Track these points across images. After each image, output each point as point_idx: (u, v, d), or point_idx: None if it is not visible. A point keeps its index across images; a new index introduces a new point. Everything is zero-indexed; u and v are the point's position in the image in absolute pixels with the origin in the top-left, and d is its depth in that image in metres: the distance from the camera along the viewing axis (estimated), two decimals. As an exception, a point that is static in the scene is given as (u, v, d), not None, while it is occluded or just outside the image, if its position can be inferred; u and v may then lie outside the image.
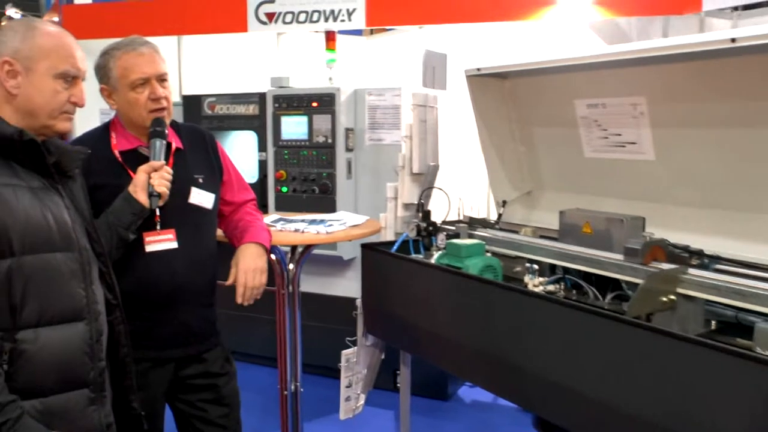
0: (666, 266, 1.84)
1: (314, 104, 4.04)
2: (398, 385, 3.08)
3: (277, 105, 4.15)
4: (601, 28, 4.36)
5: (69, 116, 1.74)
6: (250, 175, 4.30)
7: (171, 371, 2.24)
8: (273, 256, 2.70)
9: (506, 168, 2.91)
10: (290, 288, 2.82)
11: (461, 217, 2.88)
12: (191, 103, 4.56)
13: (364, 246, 2.69)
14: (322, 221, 2.84)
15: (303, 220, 2.87)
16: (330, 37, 4.26)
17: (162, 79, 2.16)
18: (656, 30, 4.45)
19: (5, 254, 1.55)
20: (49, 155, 1.68)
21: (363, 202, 4.10)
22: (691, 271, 1.80)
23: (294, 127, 4.12)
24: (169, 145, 2.19)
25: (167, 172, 2.11)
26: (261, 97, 4.30)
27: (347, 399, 2.85)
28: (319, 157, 4.07)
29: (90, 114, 2.13)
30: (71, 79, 1.71)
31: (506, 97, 2.81)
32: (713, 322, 1.80)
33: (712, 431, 1.42)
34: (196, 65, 5.13)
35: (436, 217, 2.71)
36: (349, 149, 4.05)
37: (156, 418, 2.23)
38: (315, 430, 3.64)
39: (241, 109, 4.42)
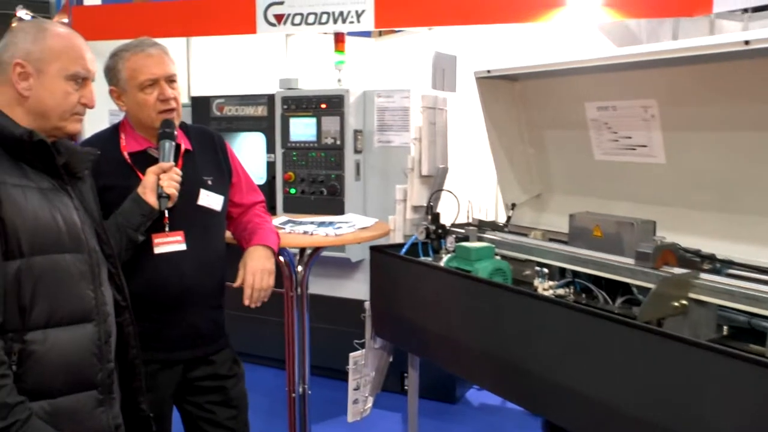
0: (678, 271, 1.83)
1: (323, 106, 4.03)
2: (406, 387, 3.07)
3: (285, 106, 4.15)
4: (611, 30, 4.34)
5: (79, 117, 1.75)
6: (258, 176, 4.30)
7: (179, 373, 2.24)
8: (281, 258, 2.70)
9: (515, 170, 2.90)
10: (299, 290, 2.82)
11: (470, 220, 2.87)
12: (200, 104, 4.57)
13: (372, 248, 2.68)
14: (331, 223, 2.84)
15: (312, 222, 2.86)
16: (339, 38, 4.25)
17: (171, 80, 2.16)
18: (666, 32, 4.42)
19: (15, 255, 1.55)
20: (59, 156, 1.68)
21: (371, 204, 4.09)
22: (703, 275, 1.78)
23: (303, 129, 4.12)
24: (178, 146, 2.19)
25: (176, 173, 2.11)
26: (270, 99, 4.29)
27: (355, 401, 2.84)
28: (328, 158, 4.06)
29: (99, 115, 2.13)
30: (82, 80, 1.72)
31: (516, 100, 2.80)
32: (725, 328, 1.78)
33: (725, 438, 1.41)
34: (204, 66, 5.14)
35: (445, 220, 2.70)
36: (357, 151, 4.04)
37: (164, 420, 2.23)
38: (322, 432, 3.64)
39: (249, 111, 4.42)
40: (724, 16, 4.26)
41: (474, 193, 3.25)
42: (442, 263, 2.39)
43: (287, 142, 4.17)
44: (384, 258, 2.62)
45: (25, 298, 1.56)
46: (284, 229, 2.73)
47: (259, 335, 4.22)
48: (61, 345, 1.61)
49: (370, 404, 2.90)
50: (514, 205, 2.88)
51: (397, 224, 2.87)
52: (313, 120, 4.07)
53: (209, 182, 2.26)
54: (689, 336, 1.59)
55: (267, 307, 2.30)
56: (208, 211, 2.24)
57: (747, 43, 1.75)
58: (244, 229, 2.39)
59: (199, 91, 4.83)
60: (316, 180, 4.10)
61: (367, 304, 2.75)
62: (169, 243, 2.15)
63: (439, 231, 2.60)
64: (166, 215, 2.11)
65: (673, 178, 2.30)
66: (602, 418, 1.70)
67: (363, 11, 4.03)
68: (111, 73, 2.15)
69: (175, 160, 2.15)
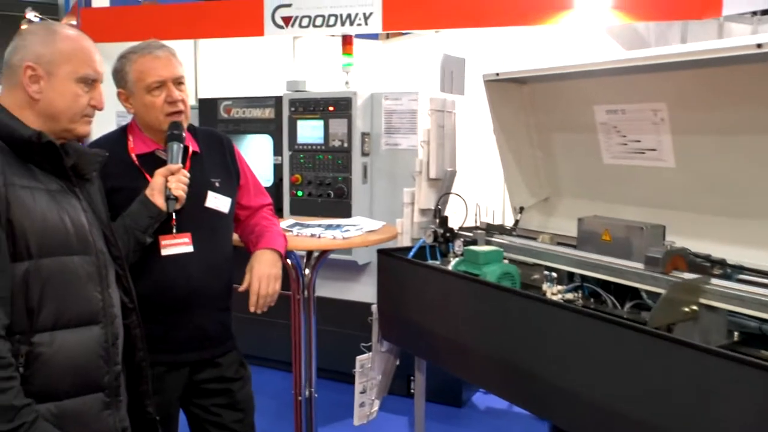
0: (688, 276, 1.81)
1: (330, 108, 4.03)
2: (412, 391, 3.06)
3: (293, 109, 4.15)
4: (619, 33, 4.33)
5: (89, 119, 1.75)
6: (265, 178, 4.31)
7: (186, 375, 2.23)
8: (289, 261, 2.70)
9: (523, 174, 2.89)
10: (305, 293, 2.81)
11: (478, 223, 2.86)
12: (207, 106, 4.57)
13: (380, 252, 2.67)
14: (338, 226, 2.83)
15: (319, 225, 2.86)
16: (347, 41, 4.25)
17: (179, 82, 2.16)
18: (675, 35, 4.41)
19: (23, 257, 1.55)
20: (67, 158, 1.68)
21: (378, 206, 4.09)
22: (714, 281, 1.76)
23: (310, 131, 4.12)
24: (186, 148, 2.19)
25: (184, 175, 2.11)
26: (277, 101, 4.30)
27: (361, 405, 2.83)
28: (335, 161, 4.06)
29: (106, 117, 2.13)
30: (91, 82, 1.72)
31: (524, 103, 2.78)
32: (736, 334, 1.77)
33: (736, 445, 1.39)
34: (212, 68, 5.15)
35: (453, 223, 2.69)
36: (365, 154, 4.04)
37: (170, 423, 2.23)
38: (328, 435, 3.63)
39: (257, 113, 4.43)
40: (733, 18, 4.24)
41: (482, 197, 3.25)
42: (450, 267, 2.38)
43: (294, 144, 4.17)
44: (392, 261, 2.61)
45: (32, 300, 1.56)
46: (291, 231, 2.73)
47: (266, 338, 4.22)
48: (68, 347, 1.61)
49: (376, 407, 2.89)
50: (522, 209, 2.86)
51: (405, 227, 2.87)
52: (321, 122, 4.07)
53: (217, 184, 2.26)
54: (700, 342, 1.58)
55: (274, 309, 2.30)
56: (215, 213, 2.24)
57: (759, 46, 1.73)
58: (251, 232, 2.39)
59: (206, 93, 4.84)
60: (323, 182, 4.10)
61: (374, 308, 2.74)
62: (177, 245, 2.15)
63: (447, 234, 2.59)
64: (174, 217, 2.11)
65: (682, 182, 2.28)
66: (610, 423, 1.68)
67: (371, 13, 4.02)
68: (119, 75, 2.16)
69: (183, 162, 2.16)
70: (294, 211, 4.15)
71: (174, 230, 2.13)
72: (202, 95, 4.83)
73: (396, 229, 2.86)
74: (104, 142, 2.19)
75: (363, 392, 2.81)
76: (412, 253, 2.57)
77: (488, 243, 2.53)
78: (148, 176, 2.11)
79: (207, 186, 2.23)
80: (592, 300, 2.17)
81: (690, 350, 1.48)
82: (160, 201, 2.05)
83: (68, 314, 1.62)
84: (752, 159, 2.04)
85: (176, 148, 2.13)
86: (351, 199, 4.03)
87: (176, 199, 2.06)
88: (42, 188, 1.62)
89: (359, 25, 4.08)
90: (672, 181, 2.31)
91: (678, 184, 2.30)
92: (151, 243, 2.07)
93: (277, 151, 4.34)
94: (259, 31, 4.28)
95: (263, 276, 2.23)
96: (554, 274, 2.21)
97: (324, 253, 2.81)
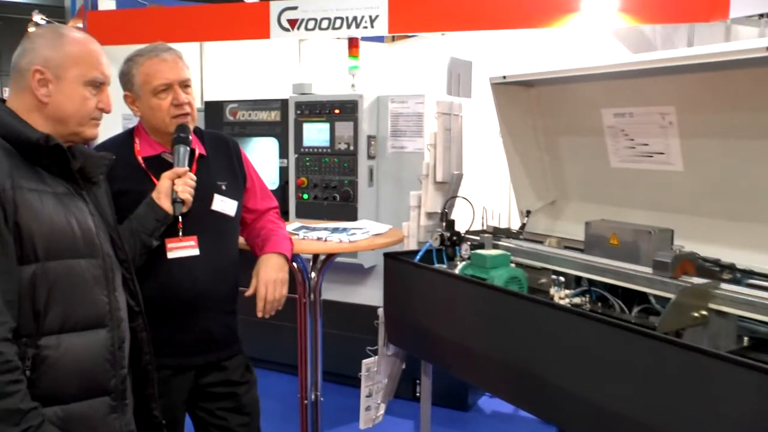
0: (697, 280, 1.80)
1: (336, 111, 4.03)
2: (418, 394, 3.06)
3: (299, 111, 4.15)
4: (626, 35, 4.31)
5: (97, 122, 1.75)
6: (271, 181, 4.30)
7: (191, 379, 2.23)
8: (295, 265, 2.69)
9: (530, 177, 2.88)
10: (312, 296, 2.80)
11: (485, 227, 2.85)
12: (213, 109, 4.58)
13: (387, 255, 2.66)
14: (344, 230, 2.83)
15: (325, 229, 2.85)
16: (353, 43, 4.24)
17: (185, 85, 2.16)
18: (681, 38, 4.39)
19: (30, 260, 1.55)
20: (74, 161, 1.68)
21: (384, 210, 4.08)
22: (724, 285, 1.75)
23: (316, 134, 4.12)
24: (192, 151, 2.18)
25: (191, 178, 2.11)
26: (283, 104, 4.30)
27: (367, 408, 2.82)
28: (341, 164, 4.06)
29: (113, 120, 2.13)
30: (99, 85, 1.72)
31: (532, 106, 2.78)
32: (746, 339, 1.76)
33: (747, 452, 1.38)
34: (218, 71, 5.15)
35: (460, 227, 2.68)
36: (371, 157, 4.04)
37: (176, 427, 2.22)
38: (334, 439, 3.63)
39: (262, 116, 4.43)
40: (740, 21, 4.22)
41: (488, 200, 3.24)
42: (456, 271, 2.37)
43: (300, 147, 4.17)
44: (398, 265, 2.60)
45: (39, 303, 1.56)
46: (298, 235, 2.73)
47: (272, 341, 4.21)
48: (74, 350, 1.61)
49: (382, 411, 2.88)
50: (528, 212, 2.86)
51: (411, 231, 2.86)
52: (327, 125, 4.07)
53: (223, 187, 2.25)
54: (709, 347, 1.57)
55: (280, 313, 2.29)
56: (221, 217, 2.24)
57: (768, 49, 1.72)
58: (258, 235, 2.39)
59: (212, 96, 4.85)
60: (329, 185, 4.09)
61: (380, 311, 2.73)
62: (183, 248, 2.14)
63: (454, 238, 2.58)
64: (180, 220, 2.10)
65: (691, 186, 2.27)
66: (617, 428, 1.67)
67: (377, 16, 4.02)
68: (125, 78, 2.16)
69: (190, 165, 2.15)
70: (300, 215, 4.14)
71: (180, 233, 2.12)
72: (208, 98, 4.84)
73: (402, 232, 2.86)
74: (111, 145, 2.19)
75: (369, 396, 2.80)
76: (418, 257, 2.56)
77: (495, 247, 2.52)
78: (154, 179, 2.10)
79: (213, 189, 2.23)
80: (599, 304, 2.16)
81: (700, 355, 1.47)
82: (166, 204, 2.04)
83: (75, 317, 1.61)
84: (761, 162, 2.03)
85: (183, 151, 2.13)
86: (357, 202, 4.02)
87: (183, 202, 2.06)
88: (49, 191, 1.62)
89: (365, 27, 4.07)
90: (680, 184, 2.30)
91: (686, 187, 2.29)
92: (157, 246, 2.07)
93: (283, 154, 4.34)
94: (265, 33, 4.28)
95: (270, 281, 2.22)
96: (562, 278, 2.20)
97: (330, 256, 2.80)
